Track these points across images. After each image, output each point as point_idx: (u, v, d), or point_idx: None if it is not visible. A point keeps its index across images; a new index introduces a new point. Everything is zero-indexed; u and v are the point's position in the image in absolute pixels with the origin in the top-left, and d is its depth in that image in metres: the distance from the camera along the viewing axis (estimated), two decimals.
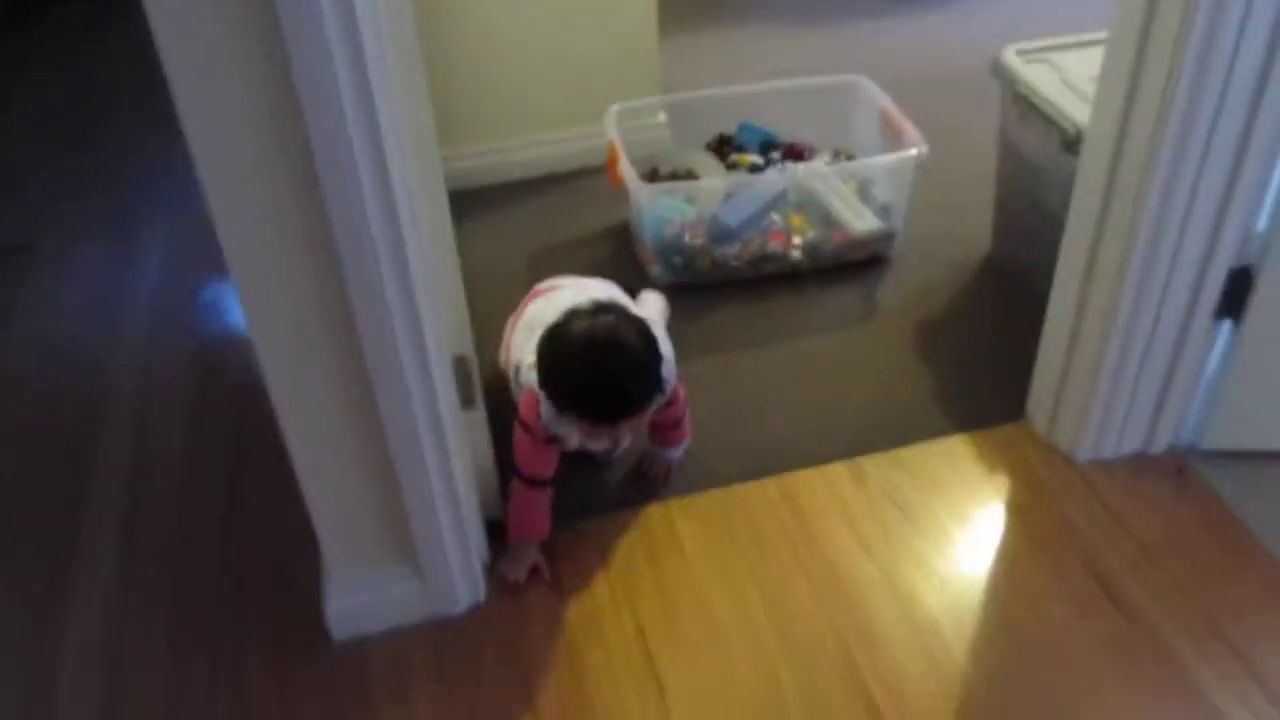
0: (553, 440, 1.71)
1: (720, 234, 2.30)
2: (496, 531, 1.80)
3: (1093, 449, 1.93)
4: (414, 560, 1.66)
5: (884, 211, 2.41)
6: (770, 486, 1.91)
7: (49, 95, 3.48)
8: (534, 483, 1.74)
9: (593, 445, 1.80)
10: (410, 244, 1.37)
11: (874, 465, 1.95)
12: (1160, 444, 1.94)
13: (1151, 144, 1.61)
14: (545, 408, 1.67)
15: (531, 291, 1.99)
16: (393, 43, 1.28)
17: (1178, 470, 1.92)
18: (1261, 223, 1.70)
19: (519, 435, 1.73)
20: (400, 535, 1.63)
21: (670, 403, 1.79)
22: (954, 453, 1.97)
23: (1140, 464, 1.93)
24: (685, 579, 1.76)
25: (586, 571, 1.78)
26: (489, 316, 1.95)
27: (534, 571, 1.76)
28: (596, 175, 2.65)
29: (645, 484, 1.92)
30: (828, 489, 1.91)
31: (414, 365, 1.47)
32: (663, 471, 1.92)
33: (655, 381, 1.66)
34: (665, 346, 1.73)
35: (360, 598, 1.68)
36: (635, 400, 1.63)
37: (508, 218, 2.65)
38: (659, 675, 1.63)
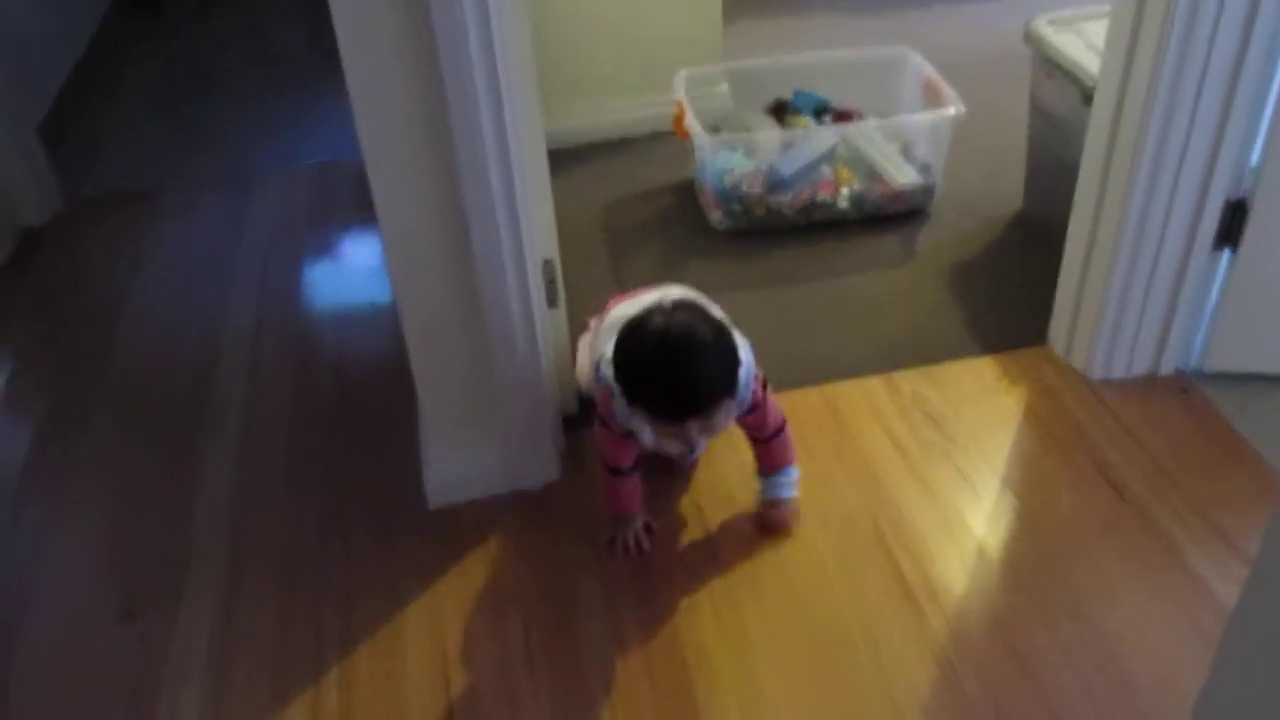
0: (628, 435, 1.75)
1: (775, 183, 2.55)
2: (569, 423, 2.06)
3: (1105, 369, 2.15)
4: (504, 437, 1.93)
5: (924, 169, 2.65)
6: (813, 394, 2.16)
7: (164, 66, 3.85)
8: (616, 471, 1.82)
9: (667, 447, 1.77)
10: (515, 156, 1.65)
11: (906, 379, 2.19)
12: (1168, 366, 2.16)
13: (1149, 87, 1.84)
14: (618, 402, 1.68)
15: (611, 300, 2.00)
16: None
17: (1183, 390, 2.13)
18: (1254, 157, 1.92)
19: (598, 428, 1.80)
20: (491, 415, 1.90)
21: (753, 408, 1.77)
22: (979, 370, 2.20)
23: (1149, 383, 2.15)
24: (737, 466, 2.01)
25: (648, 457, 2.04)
26: (566, 256, 2.20)
27: (647, 530, 1.86)
28: (665, 139, 2.93)
29: (771, 530, 1.88)
30: (864, 397, 2.15)
31: (513, 263, 1.74)
32: (780, 519, 1.88)
33: (727, 380, 1.63)
34: (744, 352, 1.71)
35: (454, 469, 1.95)
36: (703, 396, 1.61)
37: (584, 175, 2.93)
38: (714, 543, 1.87)
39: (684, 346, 1.60)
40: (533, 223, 1.76)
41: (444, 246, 1.72)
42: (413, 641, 1.74)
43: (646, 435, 1.70)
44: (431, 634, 1.75)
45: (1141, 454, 1.99)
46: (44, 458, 2.17)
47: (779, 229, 2.61)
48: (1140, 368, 2.16)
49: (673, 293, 1.88)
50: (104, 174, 3.19)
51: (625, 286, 2.45)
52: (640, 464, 1.83)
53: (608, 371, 1.69)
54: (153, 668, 1.73)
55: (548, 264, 1.88)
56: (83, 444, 2.20)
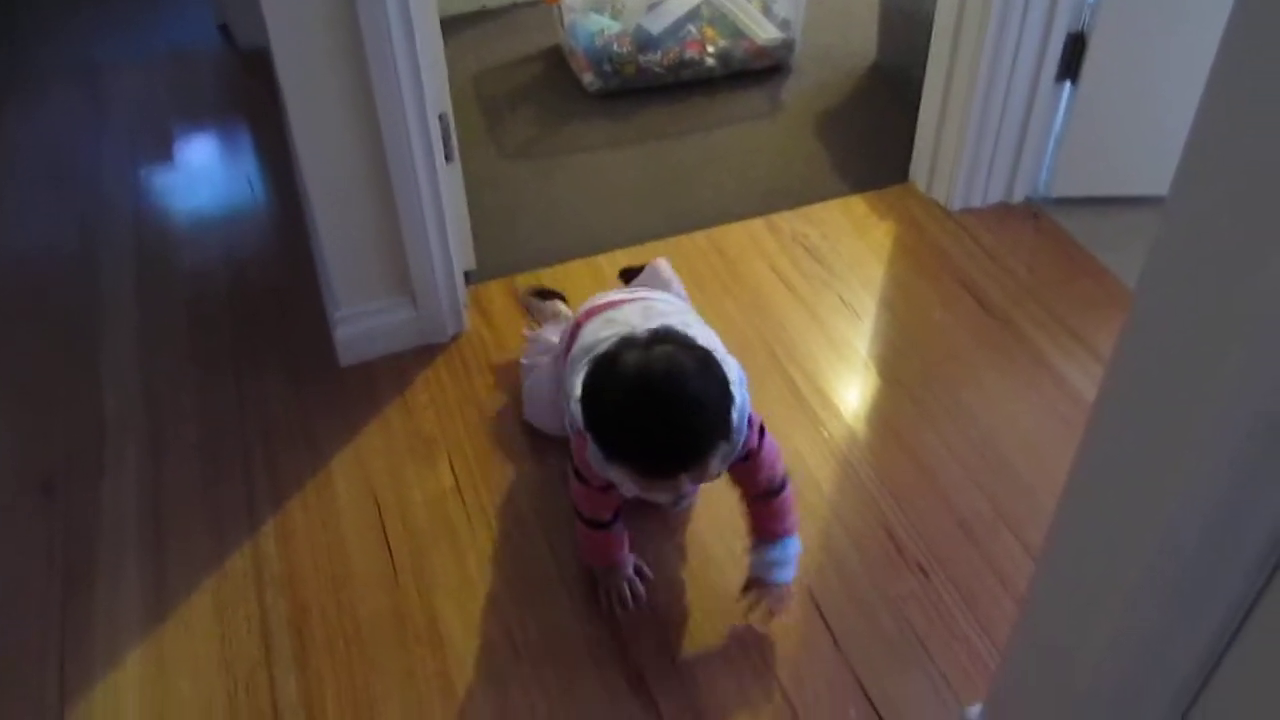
0: (607, 488, 1.49)
1: (644, 42, 2.62)
2: (470, 277, 2.13)
3: (963, 200, 2.32)
4: (410, 292, 1.98)
5: (784, 24, 2.76)
6: (699, 238, 2.28)
7: None
8: (594, 524, 1.57)
9: (652, 497, 1.52)
10: (415, 10, 1.68)
11: (784, 219, 2.32)
12: (1019, 194, 2.35)
13: None
14: (594, 452, 1.41)
15: (582, 311, 1.68)
16: None
17: (1034, 214, 2.33)
18: None
19: (574, 481, 1.54)
20: (399, 270, 1.95)
21: (747, 455, 1.47)
22: (850, 208, 2.35)
23: (1003, 211, 2.34)
24: None
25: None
26: None
27: (639, 574, 1.63)
28: (523, 10, 2.97)
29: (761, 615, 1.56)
30: (748, 237, 2.28)
31: (415, 116, 1.78)
32: (771, 605, 1.55)
33: (720, 427, 1.34)
34: (737, 388, 1.40)
35: (364, 326, 1.99)
36: (693, 447, 1.33)
37: (449, 48, 2.92)
38: None
39: (666, 392, 1.30)
40: (429, 75, 1.79)
41: (346, 104, 1.74)
42: (343, 491, 1.80)
43: (629, 488, 1.43)
44: (361, 482, 1.81)
45: (1001, 272, 2.18)
46: None
47: (650, 88, 2.68)
48: (995, 197, 2.34)
49: (655, 306, 1.63)
50: None
51: (504, 150, 2.52)
52: (622, 513, 1.58)
53: (579, 412, 1.39)
54: (84, 538, 1.75)
55: (443, 119, 1.92)
56: None
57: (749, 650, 1.55)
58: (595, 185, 2.43)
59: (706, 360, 1.34)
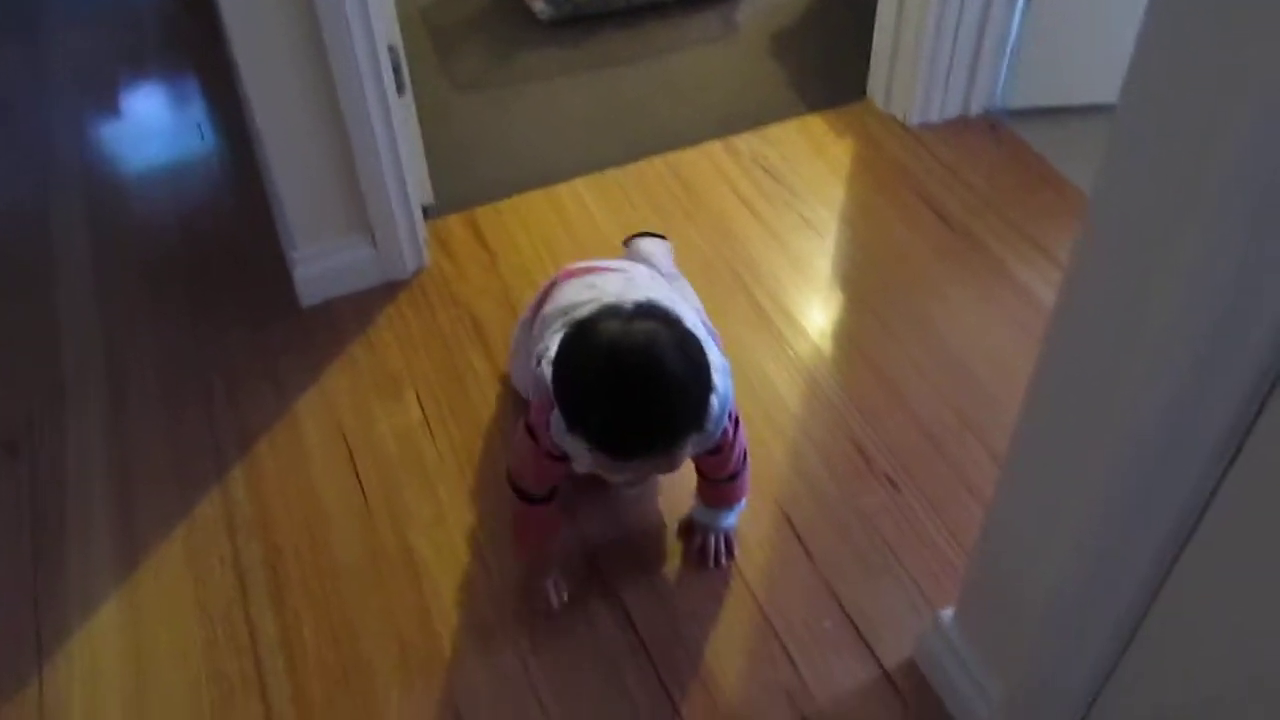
0: (559, 458, 1.41)
1: None
2: (428, 213, 2.11)
3: (921, 113, 2.31)
4: (368, 229, 1.96)
5: None
6: (658, 163, 2.26)
7: None
8: (528, 498, 1.48)
9: (610, 477, 1.49)
10: None
11: (743, 141, 2.31)
12: (977, 107, 2.34)
13: None
14: (556, 418, 1.33)
15: (562, 271, 1.63)
16: None
17: (991, 126, 2.32)
18: None
19: (521, 436, 1.44)
20: (356, 207, 1.92)
21: (719, 449, 1.43)
22: (808, 127, 2.34)
23: (961, 124, 2.33)
24: (594, 232, 2.10)
25: (510, 236, 2.11)
26: None
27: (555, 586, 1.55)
28: None
29: (703, 561, 1.57)
30: (707, 161, 2.26)
31: (364, 49, 1.74)
32: (719, 549, 1.56)
33: (694, 414, 1.27)
34: (720, 376, 1.34)
35: (323, 265, 1.97)
36: (664, 437, 1.25)
37: None
38: None
39: (643, 369, 1.21)
40: (376, 8, 1.75)
41: (292, 40, 1.70)
42: (310, 431, 1.79)
43: (583, 463, 1.37)
44: (328, 421, 1.80)
45: (960, 185, 2.18)
46: None
47: (603, 14, 2.64)
48: (952, 111, 2.33)
49: (638, 279, 1.57)
50: None
51: (457, 82, 2.48)
52: (557, 492, 1.50)
53: (548, 373, 1.32)
54: (51, 494, 1.73)
55: (392, 50, 1.88)
56: None
57: (724, 569, 1.56)
58: (551, 114, 2.40)
59: (690, 342, 1.26)
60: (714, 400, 1.31)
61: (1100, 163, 0.88)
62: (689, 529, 1.60)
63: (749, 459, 1.51)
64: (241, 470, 1.74)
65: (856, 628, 1.49)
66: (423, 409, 1.81)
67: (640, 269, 1.66)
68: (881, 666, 1.45)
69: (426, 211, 2.11)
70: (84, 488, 1.73)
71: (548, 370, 1.32)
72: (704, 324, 1.57)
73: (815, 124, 2.34)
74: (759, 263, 2.03)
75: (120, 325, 2.01)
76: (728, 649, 1.47)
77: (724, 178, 2.22)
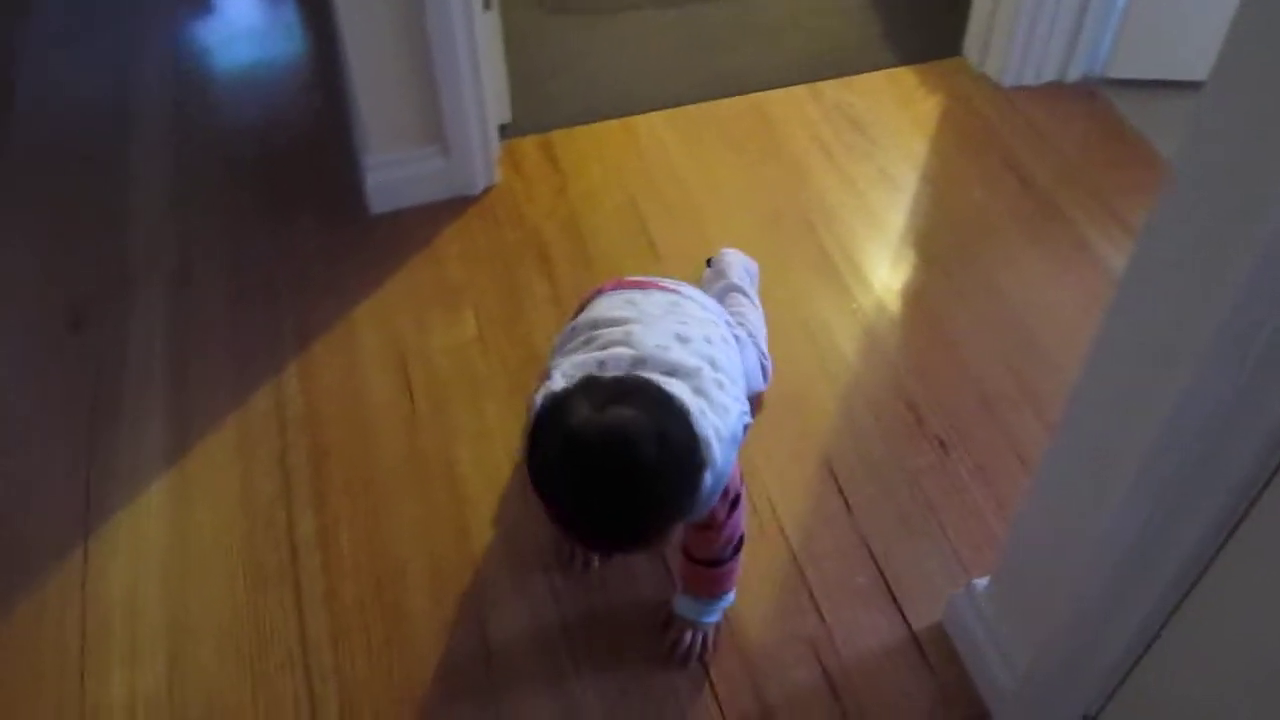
0: None
1: None
2: (504, 131, 2.09)
3: (1016, 76, 2.24)
4: (442, 142, 1.95)
5: None
6: (740, 103, 2.22)
7: None
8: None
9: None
10: None
11: (829, 88, 2.26)
12: (1075, 73, 2.26)
13: None
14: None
15: (611, 280, 1.49)
16: None
17: (1089, 94, 2.24)
18: None
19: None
20: (432, 119, 1.91)
21: (707, 525, 1.28)
22: (898, 80, 2.28)
23: (1057, 90, 2.26)
24: (668, 166, 2.08)
25: (584, 162, 2.09)
26: None
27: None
28: None
29: (672, 655, 1.41)
30: (789, 105, 2.22)
31: None
32: (694, 647, 1.41)
33: (668, 513, 1.15)
34: (725, 448, 1.19)
35: (395, 174, 1.97)
36: (629, 537, 1.17)
37: None
38: (651, 235, 1.95)
39: (608, 470, 1.08)
40: None
41: None
42: (367, 336, 1.81)
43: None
44: (385, 327, 1.81)
45: (1049, 151, 2.11)
46: None
47: None
48: (1049, 75, 2.26)
49: (686, 305, 1.40)
50: None
51: (546, 4, 2.45)
52: None
53: (537, 404, 1.16)
54: (111, 373, 1.76)
55: None
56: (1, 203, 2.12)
57: (760, 511, 1.55)
58: (637, 45, 2.36)
59: (672, 433, 1.10)
60: (705, 481, 1.15)
61: (1185, 132, 0.85)
62: (667, 621, 1.43)
63: (741, 552, 1.34)
64: (297, 368, 1.76)
65: (889, 586, 1.48)
66: (479, 325, 1.81)
67: (695, 294, 1.45)
68: (909, 628, 1.44)
69: (502, 130, 2.10)
70: (143, 370, 1.76)
71: (538, 401, 1.16)
72: (759, 351, 1.52)
73: (905, 77, 2.28)
74: (832, 211, 1.99)
75: (192, 216, 2.03)
76: (757, 595, 1.47)
77: (805, 123, 2.17)
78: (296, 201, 2.05)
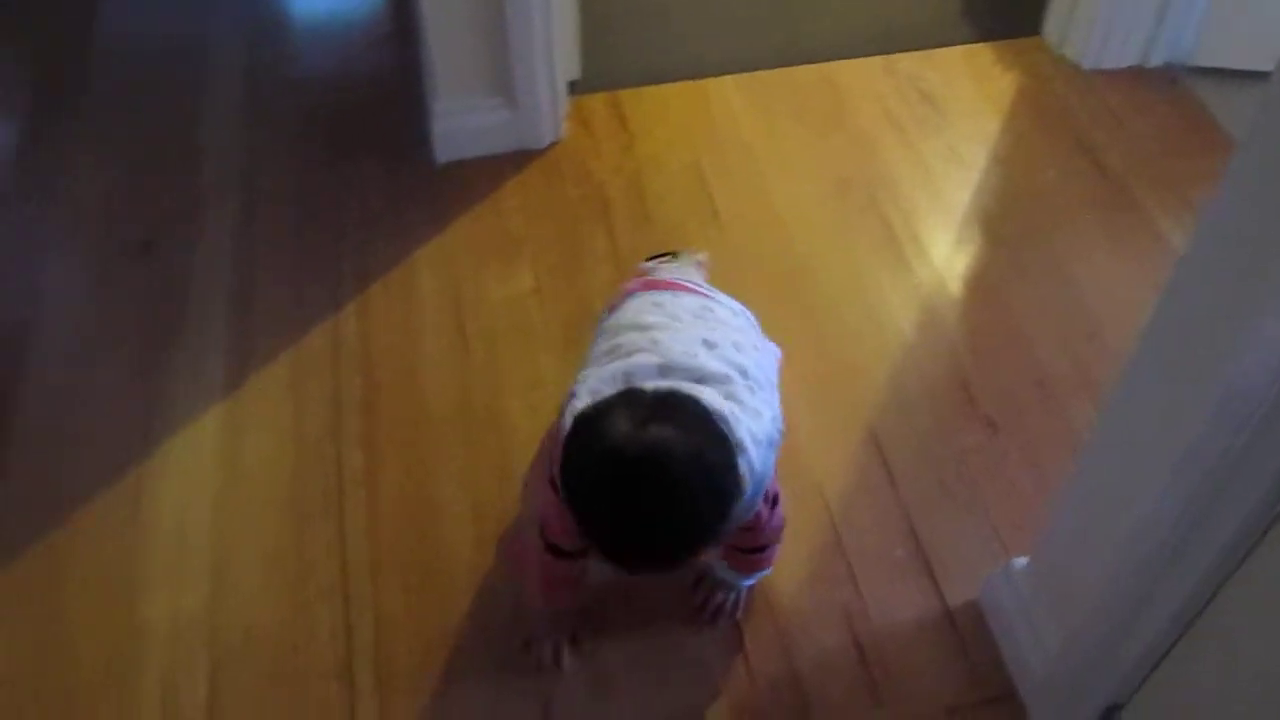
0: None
1: None
2: (572, 88, 2.10)
3: (1096, 58, 2.19)
4: (511, 94, 1.96)
5: None
6: (811, 72, 2.20)
7: None
8: (556, 551, 1.28)
9: None
10: None
11: (903, 61, 2.23)
12: (1157, 59, 2.20)
13: None
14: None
15: (640, 280, 1.43)
16: None
17: (1171, 81, 2.19)
18: None
19: (543, 486, 1.24)
20: (502, 70, 1.92)
21: (751, 528, 1.28)
22: (974, 57, 2.24)
23: (1137, 74, 2.20)
24: (735, 132, 2.07)
25: (651, 122, 2.09)
26: None
27: (572, 643, 1.40)
28: None
29: (700, 613, 1.42)
30: (862, 76, 2.19)
31: None
32: (723, 608, 1.41)
33: (706, 534, 1.11)
34: (763, 451, 1.16)
35: (462, 122, 1.98)
36: (667, 556, 1.13)
37: None
38: (714, 200, 1.95)
39: (648, 489, 1.05)
40: None
41: None
42: (426, 277, 1.83)
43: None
44: (444, 272, 1.83)
45: (1126, 137, 2.07)
46: (38, 152, 2.11)
47: None
48: (1130, 59, 2.20)
49: (718, 310, 1.35)
50: None
51: None
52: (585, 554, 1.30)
53: (568, 425, 1.12)
54: (175, 298, 1.80)
55: None
56: (76, 124, 2.14)
57: (801, 477, 1.55)
58: (712, 7, 2.35)
59: (710, 450, 1.08)
60: (744, 489, 1.12)
61: (1252, 119, 0.83)
62: (698, 580, 1.43)
63: (782, 535, 1.36)
64: (355, 307, 1.78)
65: (927, 561, 1.47)
66: (536, 277, 1.82)
67: (725, 299, 1.40)
68: (944, 603, 1.43)
69: (571, 87, 2.10)
70: (206, 298, 1.80)
71: (568, 422, 1.12)
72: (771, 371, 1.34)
73: (982, 54, 2.25)
74: (898, 185, 1.97)
75: (261, 152, 2.06)
76: (793, 560, 1.46)
77: (876, 96, 2.15)
78: (364, 146, 2.07)
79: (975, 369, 1.69)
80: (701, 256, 1.65)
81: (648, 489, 1.05)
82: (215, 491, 1.56)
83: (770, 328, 1.53)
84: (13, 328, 1.78)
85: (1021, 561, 1.35)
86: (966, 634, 1.40)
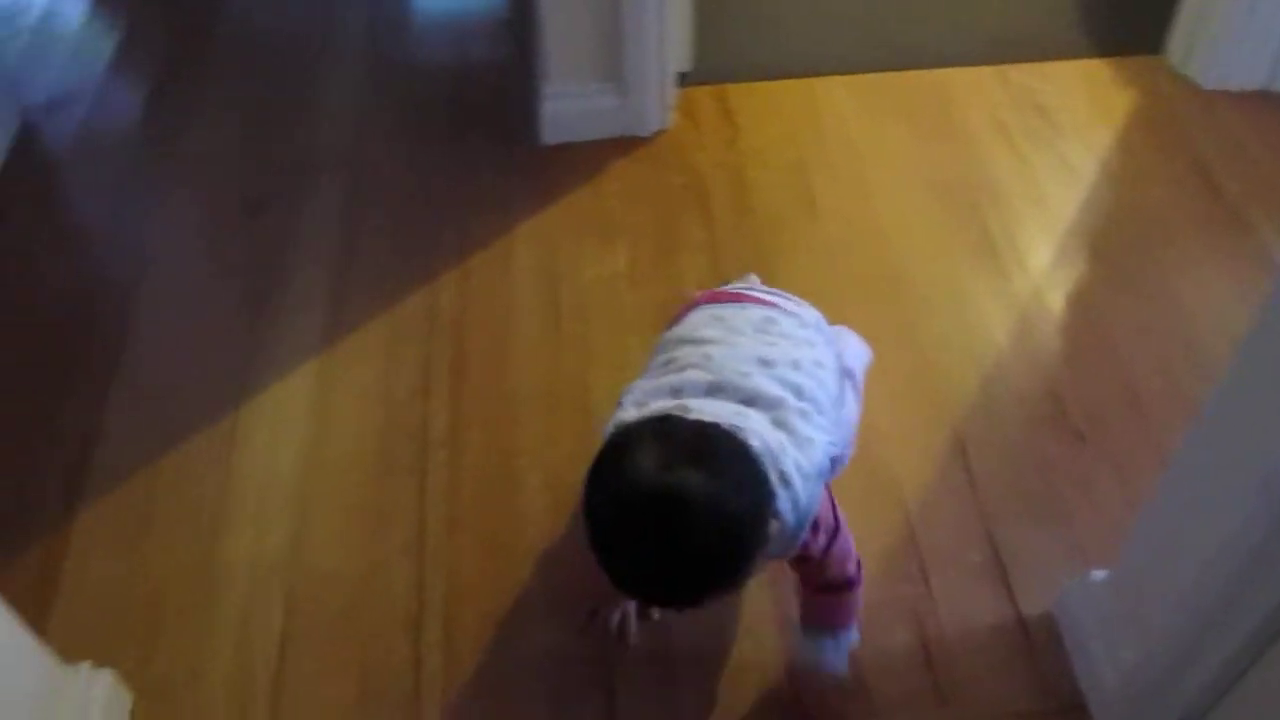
0: None
1: None
2: (681, 79, 2.11)
3: (1220, 79, 2.14)
4: (620, 80, 1.98)
5: None
6: (922, 77, 2.19)
7: None
8: None
9: None
10: None
11: (1017, 72, 2.20)
12: None
13: None
14: None
15: (706, 293, 1.42)
16: None
17: None
18: None
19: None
20: (613, 57, 1.95)
21: (806, 557, 1.19)
22: (1090, 71, 2.20)
23: (1262, 98, 2.14)
24: (841, 132, 2.07)
25: (758, 117, 2.10)
26: None
27: (641, 616, 1.40)
28: None
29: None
30: (973, 84, 2.17)
31: None
32: (822, 696, 1.34)
33: (725, 578, 1.06)
34: (810, 483, 1.11)
35: (570, 105, 2.01)
36: (681, 596, 1.09)
37: None
38: (814, 198, 1.95)
39: (657, 533, 1.00)
40: None
41: None
42: (524, 252, 1.86)
43: None
44: (542, 249, 1.86)
45: (1245, 161, 2.01)
46: (162, 109, 2.23)
47: None
48: (1256, 81, 2.14)
49: (782, 321, 1.28)
50: None
51: None
52: None
53: (608, 431, 1.12)
54: (282, 256, 1.87)
55: None
56: (202, 89, 2.26)
57: (879, 472, 1.54)
58: (827, 7, 2.35)
59: (735, 496, 1.02)
60: (786, 525, 1.09)
61: None
62: (798, 692, 1.34)
63: (859, 579, 1.24)
64: (453, 276, 1.82)
65: (1004, 567, 1.45)
66: (631, 261, 1.84)
67: (796, 309, 1.33)
68: (1017, 610, 1.40)
69: (681, 78, 2.12)
70: (311, 258, 1.86)
71: (608, 431, 1.11)
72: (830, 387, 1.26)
73: (1099, 69, 2.21)
74: (1002, 194, 1.95)
75: (376, 126, 2.13)
76: (865, 552, 1.41)
77: (987, 103, 2.12)
78: (474, 125, 2.12)
79: (1068, 381, 1.66)
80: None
81: (657, 533, 1.00)
82: (305, 441, 1.60)
83: (860, 325, 1.53)
84: (130, 268, 1.87)
85: (1100, 574, 1.32)
86: (1038, 643, 1.37)
